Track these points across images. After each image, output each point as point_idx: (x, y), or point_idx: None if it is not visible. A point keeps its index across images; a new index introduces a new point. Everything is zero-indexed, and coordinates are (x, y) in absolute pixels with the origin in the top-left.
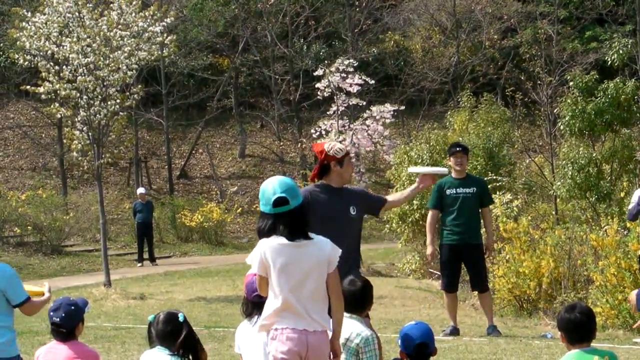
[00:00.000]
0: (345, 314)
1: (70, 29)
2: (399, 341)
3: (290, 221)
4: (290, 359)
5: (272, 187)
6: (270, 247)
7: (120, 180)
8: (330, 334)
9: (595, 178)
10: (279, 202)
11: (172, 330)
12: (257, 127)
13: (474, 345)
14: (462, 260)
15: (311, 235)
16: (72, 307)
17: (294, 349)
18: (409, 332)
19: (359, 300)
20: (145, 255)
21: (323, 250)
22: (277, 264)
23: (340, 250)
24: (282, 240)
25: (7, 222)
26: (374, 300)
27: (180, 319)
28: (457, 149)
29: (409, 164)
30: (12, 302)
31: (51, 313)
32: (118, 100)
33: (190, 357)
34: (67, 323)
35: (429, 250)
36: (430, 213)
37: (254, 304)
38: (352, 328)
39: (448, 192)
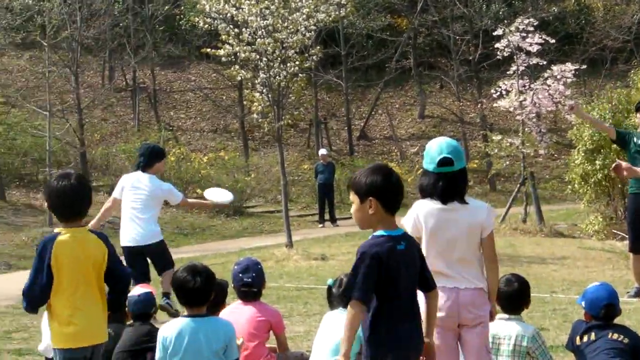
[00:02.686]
0: (503, 316)
1: None
2: (583, 303)
3: (449, 183)
4: (442, 317)
5: (438, 146)
6: (423, 209)
7: (300, 142)
8: (486, 292)
9: None
10: (443, 162)
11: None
12: (437, 87)
13: None
14: None
15: (467, 199)
16: (259, 267)
17: (445, 305)
18: (595, 293)
19: (515, 301)
20: (327, 216)
21: (476, 215)
22: (428, 226)
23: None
24: (436, 203)
25: (191, 183)
26: (556, 262)
27: (329, 282)
28: None
29: (591, 124)
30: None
31: (240, 275)
32: (297, 62)
33: None
34: (258, 282)
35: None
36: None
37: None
38: (514, 331)
39: (635, 140)
